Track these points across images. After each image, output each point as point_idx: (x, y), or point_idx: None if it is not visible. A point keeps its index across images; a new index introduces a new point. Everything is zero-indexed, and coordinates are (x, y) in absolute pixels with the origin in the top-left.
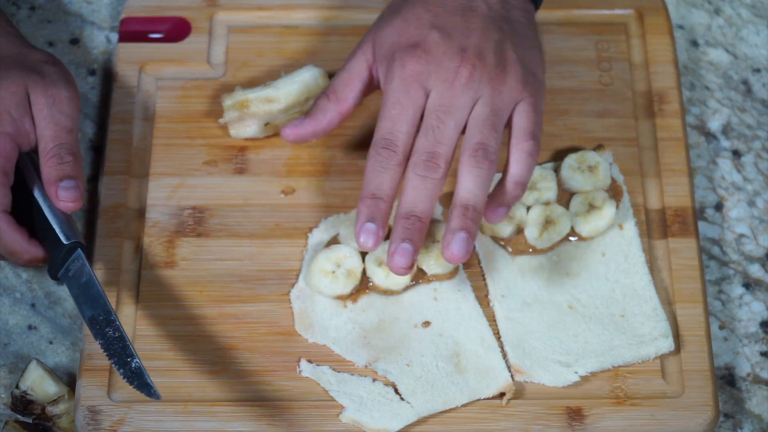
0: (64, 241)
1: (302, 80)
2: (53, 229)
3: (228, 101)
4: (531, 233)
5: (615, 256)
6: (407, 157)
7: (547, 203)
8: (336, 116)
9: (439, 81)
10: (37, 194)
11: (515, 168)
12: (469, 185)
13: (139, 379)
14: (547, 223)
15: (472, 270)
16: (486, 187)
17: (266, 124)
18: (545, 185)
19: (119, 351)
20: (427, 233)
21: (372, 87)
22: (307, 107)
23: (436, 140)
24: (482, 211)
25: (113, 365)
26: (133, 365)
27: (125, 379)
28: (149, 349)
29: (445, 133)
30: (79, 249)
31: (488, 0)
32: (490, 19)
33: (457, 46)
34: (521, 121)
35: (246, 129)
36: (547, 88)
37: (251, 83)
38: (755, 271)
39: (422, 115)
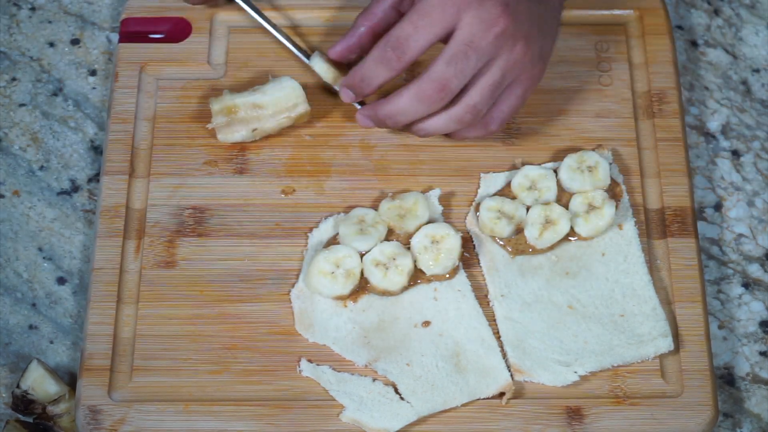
0: None
1: (291, 86)
2: None
3: (216, 106)
4: (531, 233)
5: (614, 256)
6: (408, 67)
7: (546, 203)
8: (368, 32)
9: (476, 18)
10: None
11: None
12: (437, 121)
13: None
14: (547, 223)
15: (472, 270)
16: (443, 129)
17: (254, 130)
18: (545, 185)
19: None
20: (426, 235)
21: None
22: (295, 113)
23: (456, 71)
24: (398, 122)
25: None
26: None
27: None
28: (149, 349)
29: (467, 68)
30: None
31: None
32: None
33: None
34: (506, 101)
35: (234, 134)
36: (547, 88)
37: (251, 83)
38: (754, 270)
39: (446, 38)
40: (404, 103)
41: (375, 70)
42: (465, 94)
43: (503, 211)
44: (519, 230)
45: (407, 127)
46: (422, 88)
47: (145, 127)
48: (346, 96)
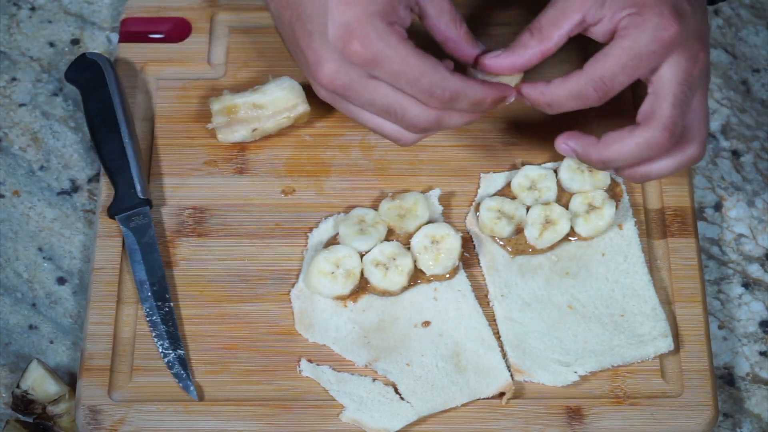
0: (139, 195)
1: (291, 86)
2: (130, 175)
3: (216, 106)
4: (531, 233)
5: (614, 256)
6: None
7: (546, 203)
8: (537, 54)
9: (683, 55)
10: (123, 132)
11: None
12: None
13: (180, 370)
14: (547, 223)
15: (472, 270)
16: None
17: (254, 130)
18: (545, 185)
19: (165, 333)
20: (426, 235)
21: (579, 29)
22: (295, 113)
23: (681, 112)
24: (612, 167)
25: (155, 342)
26: (176, 354)
27: (168, 367)
28: (150, 349)
29: (687, 107)
30: (148, 207)
31: None
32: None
33: (696, 32)
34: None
35: (234, 134)
36: None
37: (251, 83)
38: (754, 270)
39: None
40: (629, 151)
41: (568, 102)
42: (690, 132)
43: (503, 211)
44: (519, 230)
45: (618, 169)
46: (655, 137)
47: (145, 127)
48: (524, 100)
